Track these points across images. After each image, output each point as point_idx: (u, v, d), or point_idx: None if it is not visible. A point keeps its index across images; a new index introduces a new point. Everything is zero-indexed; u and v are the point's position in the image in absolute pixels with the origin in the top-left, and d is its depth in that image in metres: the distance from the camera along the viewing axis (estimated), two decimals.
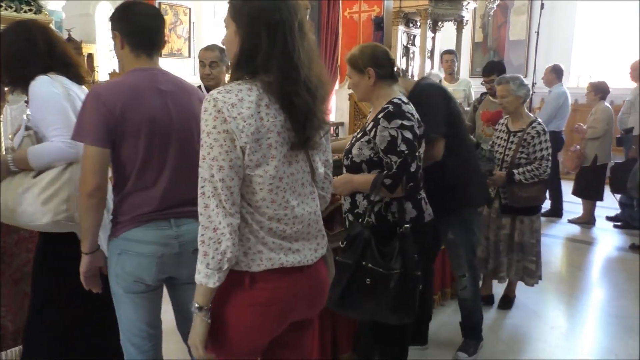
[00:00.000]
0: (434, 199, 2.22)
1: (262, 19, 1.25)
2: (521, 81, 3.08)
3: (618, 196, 5.33)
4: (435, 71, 5.70)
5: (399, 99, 2.03)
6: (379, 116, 2.00)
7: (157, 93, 1.70)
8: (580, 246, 4.93)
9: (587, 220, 5.48)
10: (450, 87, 5.21)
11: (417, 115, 2.06)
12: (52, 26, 6.52)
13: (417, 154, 2.00)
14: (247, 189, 1.28)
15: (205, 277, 1.24)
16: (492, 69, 4.09)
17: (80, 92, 1.98)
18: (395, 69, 2.11)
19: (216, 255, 1.22)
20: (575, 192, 5.53)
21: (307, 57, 1.30)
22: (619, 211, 5.47)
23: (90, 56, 8.37)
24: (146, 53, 1.73)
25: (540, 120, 3.16)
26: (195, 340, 1.29)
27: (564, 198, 5.83)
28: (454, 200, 2.51)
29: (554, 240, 5.04)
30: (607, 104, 5.32)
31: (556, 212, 5.74)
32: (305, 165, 1.37)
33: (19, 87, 1.97)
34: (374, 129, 2.00)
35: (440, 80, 5.42)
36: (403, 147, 1.95)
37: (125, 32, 1.70)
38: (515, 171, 3.02)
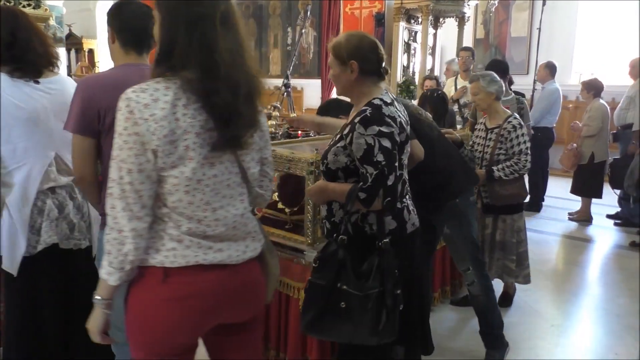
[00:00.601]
0: (420, 200, 2.14)
1: (181, 12, 1.23)
2: (492, 77, 3.03)
3: (618, 192, 5.31)
4: (456, 60, 5.67)
5: (380, 100, 1.85)
6: (356, 120, 1.81)
7: None
8: (579, 244, 4.93)
9: (586, 218, 5.49)
10: (465, 84, 5.20)
11: (401, 118, 1.88)
12: (52, 21, 6.52)
13: (396, 164, 1.83)
14: (162, 189, 1.26)
15: (107, 274, 1.26)
16: (495, 67, 4.00)
17: (17, 90, 1.86)
18: (383, 68, 1.92)
19: (119, 256, 1.24)
20: (574, 190, 5.53)
21: (230, 52, 1.25)
22: (619, 209, 5.46)
23: (91, 51, 8.36)
24: (135, 50, 1.79)
25: (516, 115, 3.11)
26: (94, 328, 1.32)
27: (564, 196, 5.83)
28: (438, 198, 2.48)
29: (554, 237, 5.04)
30: (602, 101, 5.33)
31: (535, 206, 5.71)
32: (232, 166, 1.33)
33: None
34: (351, 134, 1.82)
35: (457, 75, 5.41)
36: (380, 158, 1.76)
37: (117, 28, 1.77)
38: (494, 168, 2.98)
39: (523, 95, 4.68)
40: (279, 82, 7.07)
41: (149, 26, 1.74)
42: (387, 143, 1.78)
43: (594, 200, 5.47)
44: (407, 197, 2.02)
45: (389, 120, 1.81)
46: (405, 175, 2.02)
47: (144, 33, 1.77)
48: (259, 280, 1.47)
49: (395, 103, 1.93)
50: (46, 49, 1.96)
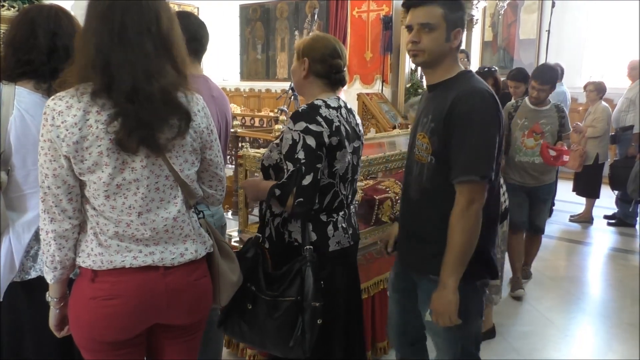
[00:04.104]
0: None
1: (87, 22, 1.28)
2: None
3: (617, 193, 5.39)
4: None
5: (324, 102, 1.79)
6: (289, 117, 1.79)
7: (211, 99, 1.84)
8: (587, 249, 4.86)
9: (587, 219, 5.54)
10: None
11: (342, 124, 1.77)
12: None
13: (318, 165, 1.71)
14: (87, 193, 1.31)
15: (45, 273, 1.37)
16: (548, 79, 3.50)
17: (38, 110, 1.59)
18: (337, 76, 1.85)
19: (48, 257, 1.33)
20: (576, 191, 5.59)
21: (132, 57, 1.25)
22: (616, 210, 5.52)
23: None
24: (198, 60, 1.91)
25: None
26: (51, 324, 1.44)
27: (564, 198, 5.86)
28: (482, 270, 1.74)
29: (562, 242, 4.98)
30: (604, 103, 5.41)
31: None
32: (160, 169, 1.33)
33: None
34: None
35: None
36: (301, 155, 1.68)
37: (186, 38, 1.70)
38: None
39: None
40: (286, 85, 7.06)
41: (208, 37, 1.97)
42: (311, 141, 1.70)
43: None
44: (341, 214, 1.87)
45: (321, 120, 1.73)
46: (342, 189, 1.85)
47: (207, 44, 1.92)
48: (201, 284, 1.45)
49: (343, 110, 1.84)
50: None
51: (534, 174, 3.49)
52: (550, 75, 3.57)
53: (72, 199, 1.30)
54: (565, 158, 3.33)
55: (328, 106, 1.79)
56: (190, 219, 1.42)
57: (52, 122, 1.23)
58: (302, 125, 1.71)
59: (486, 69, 3.75)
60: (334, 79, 1.86)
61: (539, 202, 3.59)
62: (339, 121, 1.79)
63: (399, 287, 1.90)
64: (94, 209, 1.32)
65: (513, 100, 3.75)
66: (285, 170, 1.72)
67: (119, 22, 1.25)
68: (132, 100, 1.24)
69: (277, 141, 1.85)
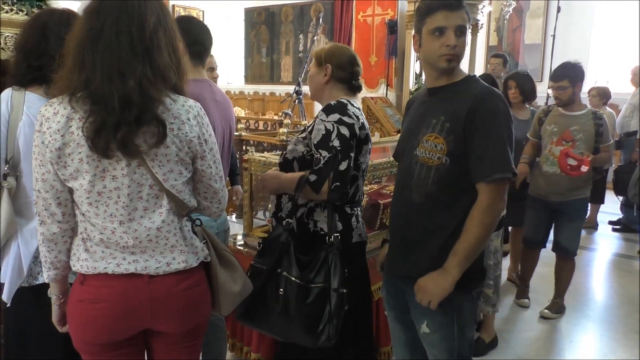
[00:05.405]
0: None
1: (75, 33, 1.27)
2: None
3: (621, 198, 5.37)
4: None
5: (348, 100, 1.91)
6: (320, 110, 1.87)
7: (214, 104, 1.85)
8: (592, 254, 4.85)
9: (592, 225, 5.52)
10: None
11: (364, 121, 1.92)
12: None
13: (351, 154, 1.81)
14: (76, 198, 1.33)
15: (43, 271, 1.41)
16: (564, 74, 3.13)
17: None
18: (356, 83, 1.99)
19: (42, 257, 1.39)
20: None
21: (103, 57, 1.22)
22: (621, 216, 5.52)
23: None
24: (202, 64, 1.92)
25: None
26: (53, 320, 1.48)
27: None
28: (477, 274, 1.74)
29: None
30: (609, 109, 5.43)
31: None
32: (144, 178, 1.30)
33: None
34: (313, 124, 1.87)
35: None
36: (336, 143, 1.77)
37: (188, 42, 1.66)
38: None
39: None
40: (290, 88, 7.07)
41: (211, 41, 1.99)
42: (345, 131, 1.80)
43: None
44: (359, 209, 1.98)
45: (352, 114, 1.85)
46: (361, 185, 1.97)
47: (210, 48, 1.94)
48: (193, 293, 1.42)
49: (361, 113, 1.96)
50: None
51: (560, 187, 3.16)
52: (563, 70, 3.14)
53: (60, 203, 1.32)
54: (584, 169, 3.03)
55: (352, 105, 1.92)
56: (179, 229, 1.39)
57: (39, 127, 1.26)
58: (335, 116, 1.81)
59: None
60: (353, 85, 1.99)
61: (563, 219, 3.24)
62: (363, 118, 1.93)
63: (393, 304, 1.86)
64: (83, 214, 1.34)
65: (545, 106, 3.51)
66: (321, 158, 1.77)
67: (100, 22, 1.23)
68: (97, 101, 1.22)
69: (304, 135, 1.91)
